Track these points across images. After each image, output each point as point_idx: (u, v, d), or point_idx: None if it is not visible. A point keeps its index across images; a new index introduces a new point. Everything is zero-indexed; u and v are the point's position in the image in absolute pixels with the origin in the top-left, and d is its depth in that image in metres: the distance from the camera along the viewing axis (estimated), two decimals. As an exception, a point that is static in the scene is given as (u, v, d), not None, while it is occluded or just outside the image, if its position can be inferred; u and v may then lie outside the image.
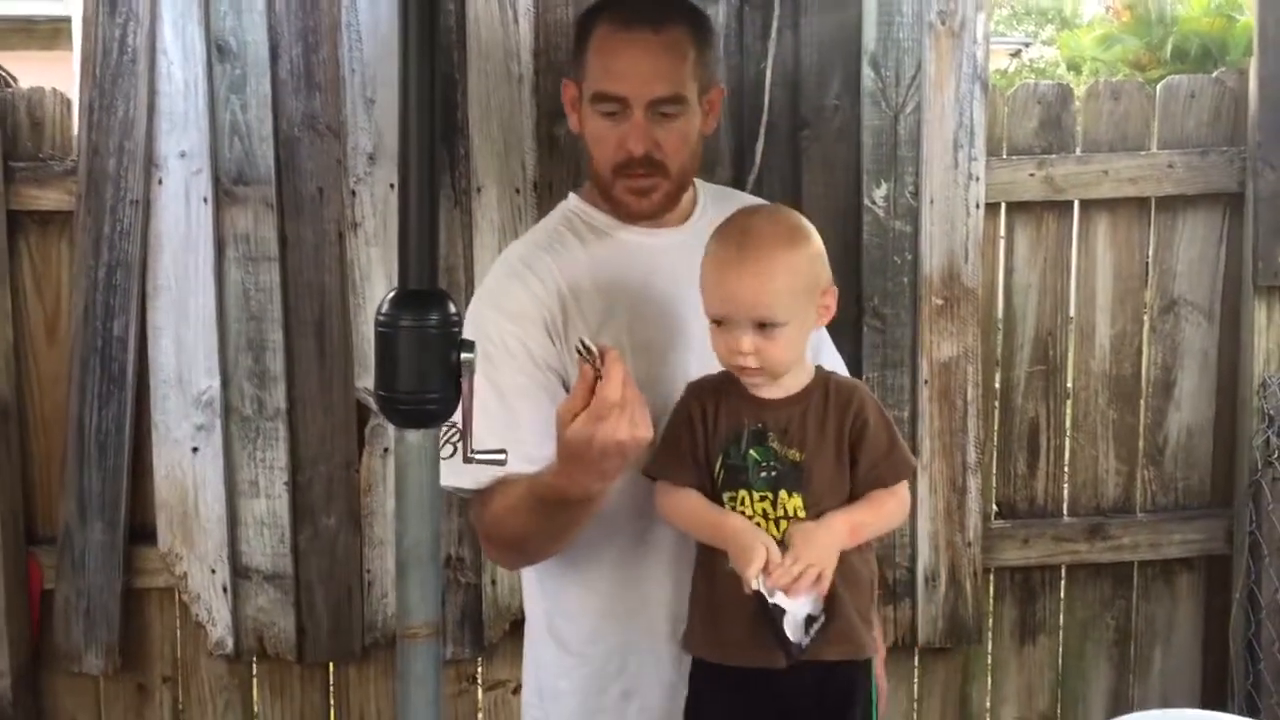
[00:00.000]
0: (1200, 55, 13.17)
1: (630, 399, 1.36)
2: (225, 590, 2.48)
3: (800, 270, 1.48)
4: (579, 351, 1.36)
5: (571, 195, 1.78)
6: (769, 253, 1.47)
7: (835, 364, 1.74)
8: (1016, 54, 16.52)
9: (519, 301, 1.64)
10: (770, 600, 1.44)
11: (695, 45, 1.65)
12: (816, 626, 1.45)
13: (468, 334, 1.52)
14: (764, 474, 1.47)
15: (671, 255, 1.64)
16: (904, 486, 1.54)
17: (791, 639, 1.45)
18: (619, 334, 1.61)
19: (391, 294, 1.25)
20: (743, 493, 1.48)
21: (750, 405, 1.51)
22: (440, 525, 1.42)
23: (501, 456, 1.34)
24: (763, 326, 1.46)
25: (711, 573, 1.52)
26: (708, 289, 1.50)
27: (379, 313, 1.24)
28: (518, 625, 2.54)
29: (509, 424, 1.57)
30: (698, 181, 1.77)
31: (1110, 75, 11.57)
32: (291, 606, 2.51)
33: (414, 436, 1.24)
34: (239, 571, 2.50)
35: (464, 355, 1.23)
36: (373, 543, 2.51)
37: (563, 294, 1.64)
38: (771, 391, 1.51)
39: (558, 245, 1.70)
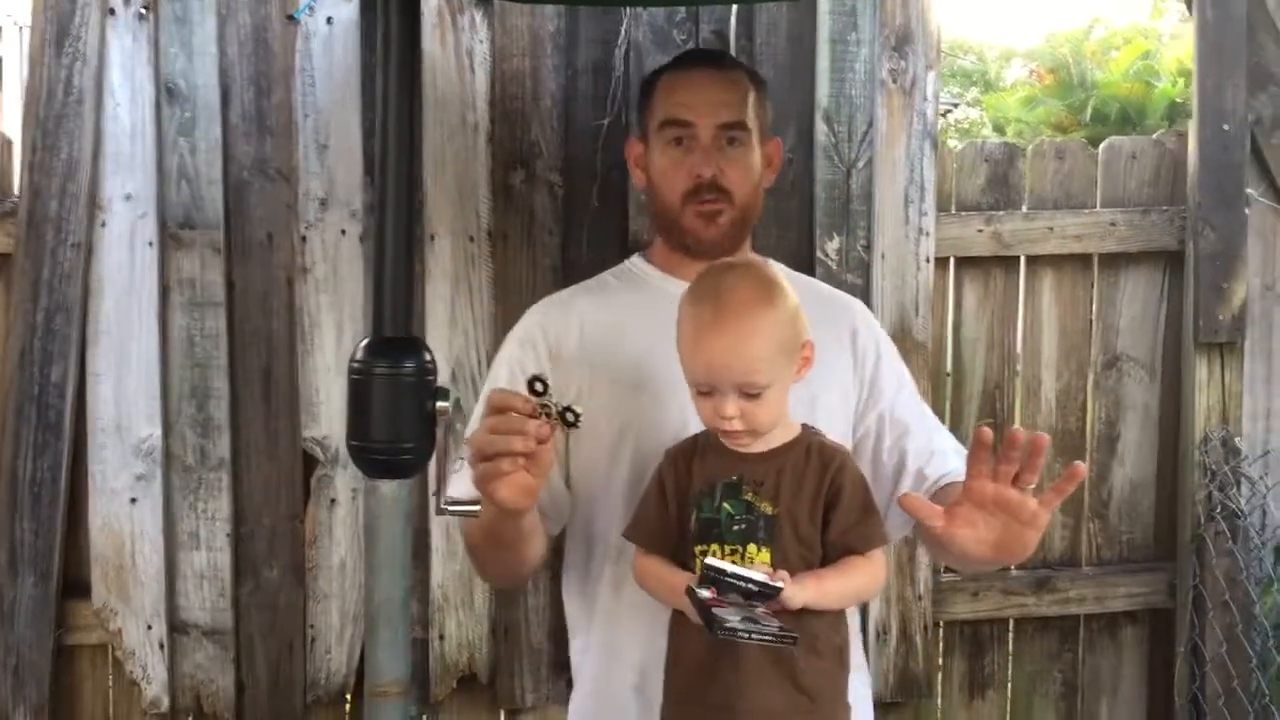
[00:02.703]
0: (1119, 119, 13.57)
1: (506, 476, 1.32)
2: (161, 646, 2.40)
3: (780, 331, 1.46)
4: (532, 383, 1.33)
5: (634, 255, 1.88)
6: (749, 317, 1.44)
7: (949, 447, 1.74)
8: (945, 114, 16.91)
9: (530, 329, 1.77)
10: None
11: (754, 88, 1.77)
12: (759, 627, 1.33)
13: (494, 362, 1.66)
14: (736, 527, 1.45)
15: None
16: (879, 556, 1.51)
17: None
18: (624, 368, 1.68)
19: (365, 341, 1.23)
20: (714, 546, 1.45)
21: (727, 459, 1.49)
22: (412, 581, 1.38)
23: (476, 509, 1.32)
24: (746, 393, 1.44)
25: (682, 640, 1.49)
26: (687, 356, 1.48)
27: (352, 359, 1.21)
28: (465, 682, 2.50)
29: None
30: (772, 263, 1.83)
31: (1034, 136, 11.86)
32: (231, 663, 2.43)
33: (387, 487, 1.22)
34: (176, 627, 2.41)
35: (439, 404, 1.21)
36: (317, 597, 2.45)
37: (583, 325, 1.74)
38: (751, 446, 1.49)
39: (597, 288, 1.83)
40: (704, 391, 1.46)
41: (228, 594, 2.42)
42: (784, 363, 1.47)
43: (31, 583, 2.34)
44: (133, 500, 2.37)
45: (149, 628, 2.39)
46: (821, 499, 1.47)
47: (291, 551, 2.44)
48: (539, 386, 1.32)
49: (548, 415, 1.32)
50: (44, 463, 2.34)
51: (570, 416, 1.32)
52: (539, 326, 1.77)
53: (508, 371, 1.74)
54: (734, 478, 1.47)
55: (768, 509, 1.45)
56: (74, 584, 2.40)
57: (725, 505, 1.46)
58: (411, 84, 1.19)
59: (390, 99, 1.19)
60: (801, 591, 1.39)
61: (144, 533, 2.38)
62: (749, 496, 1.46)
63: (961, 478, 1.46)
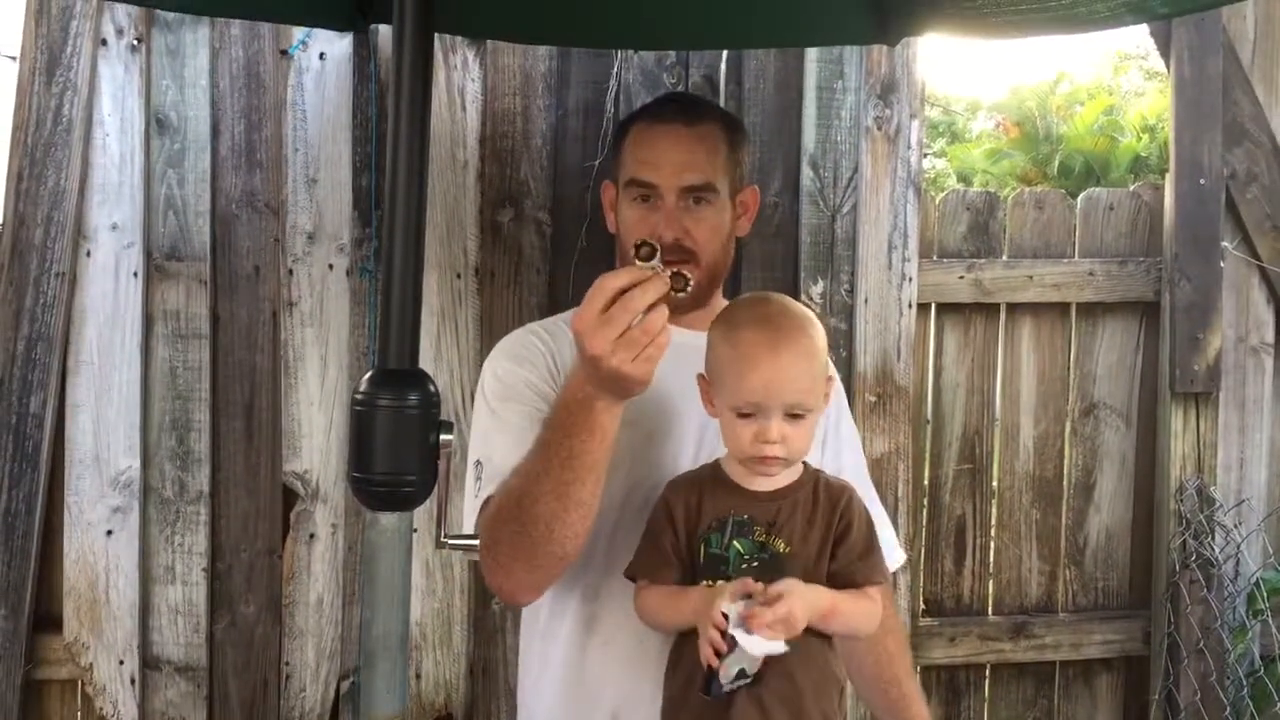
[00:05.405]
0: (1084, 173, 13.73)
1: (637, 334, 1.30)
2: (133, 682, 2.36)
3: (821, 355, 1.50)
4: (639, 248, 1.32)
5: None
6: (799, 338, 1.47)
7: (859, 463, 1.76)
8: (911, 164, 17.01)
9: (524, 347, 1.72)
10: (730, 630, 1.37)
11: (728, 142, 1.73)
12: (742, 683, 1.39)
13: (484, 384, 1.67)
14: (744, 565, 1.45)
15: (685, 353, 1.56)
16: (877, 595, 1.52)
17: (720, 677, 1.38)
18: None
19: (370, 373, 1.22)
20: (720, 582, 1.45)
21: (736, 496, 1.50)
22: (409, 615, 1.37)
23: (475, 542, 1.32)
24: (791, 415, 1.45)
25: (682, 675, 1.48)
26: (735, 377, 1.47)
27: (356, 391, 1.21)
28: (442, 722, 2.47)
29: (502, 429, 1.61)
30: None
31: (999, 188, 12.00)
32: (204, 700, 2.40)
33: (388, 520, 1.21)
34: (149, 662, 2.38)
35: (443, 436, 1.21)
36: (293, 634, 2.42)
37: (574, 351, 1.65)
38: (761, 484, 1.49)
39: None
40: (746, 414, 1.46)
41: (202, 629, 2.39)
42: (820, 390, 1.49)
43: (2, 615, 2.31)
44: (108, 533, 2.34)
45: (121, 663, 2.36)
46: (831, 536, 1.48)
47: (268, 587, 2.42)
48: (646, 251, 1.30)
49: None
50: (19, 494, 2.31)
51: (680, 282, 1.30)
52: (533, 345, 1.72)
53: (499, 386, 1.67)
54: (744, 516, 1.47)
55: (780, 547, 1.46)
56: (45, 617, 2.37)
57: (735, 544, 1.46)
58: (424, 117, 1.19)
59: (401, 130, 1.20)
60: (815, 594, 1.42)
61: (119, 566, 2.35)
62: (761, 537, 1.46)
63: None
